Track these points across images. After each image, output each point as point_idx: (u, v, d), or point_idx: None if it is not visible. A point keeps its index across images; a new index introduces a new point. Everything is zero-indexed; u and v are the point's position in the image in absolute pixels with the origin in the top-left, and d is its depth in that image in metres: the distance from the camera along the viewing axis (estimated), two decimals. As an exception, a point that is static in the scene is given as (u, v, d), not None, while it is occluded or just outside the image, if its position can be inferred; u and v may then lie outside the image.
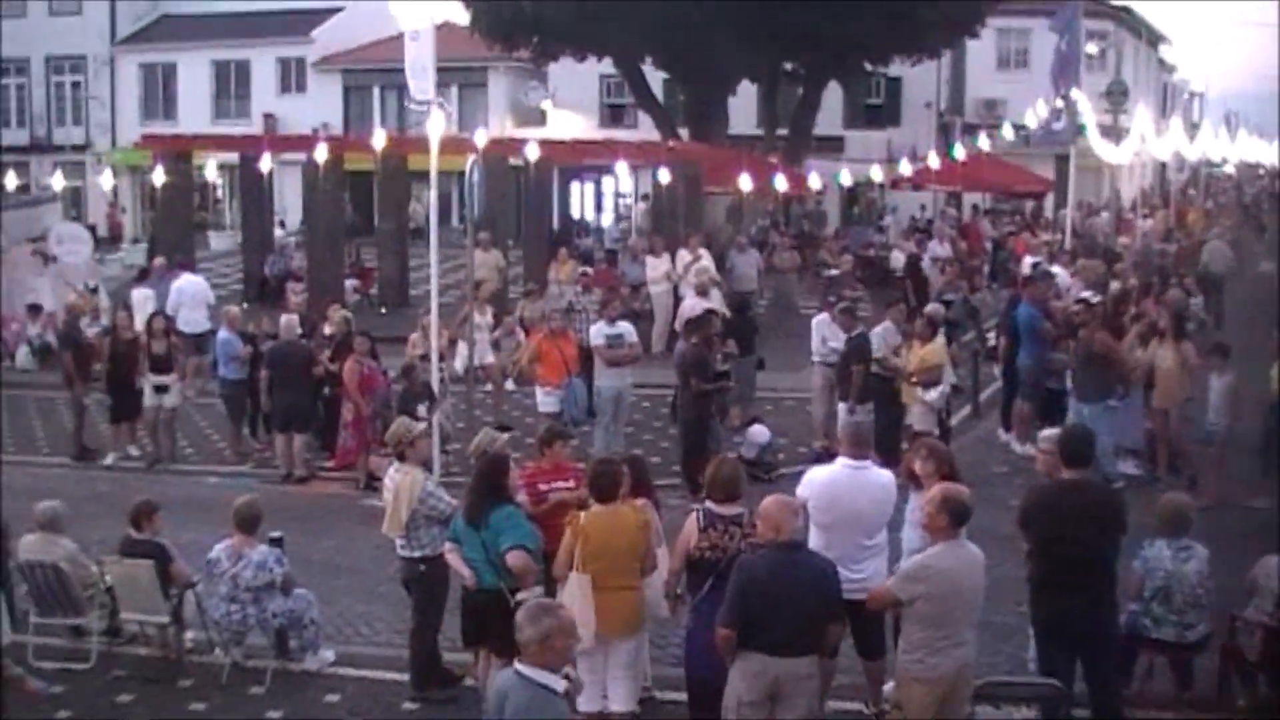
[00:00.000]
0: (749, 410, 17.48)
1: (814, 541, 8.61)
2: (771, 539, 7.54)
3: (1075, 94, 29.32)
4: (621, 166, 31.25)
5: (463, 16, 33.62)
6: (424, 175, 22.96)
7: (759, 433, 16.24)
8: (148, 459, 17.92)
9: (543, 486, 9.79)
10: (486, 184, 16.91)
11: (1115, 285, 19.74)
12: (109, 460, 18.00)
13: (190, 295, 22.14)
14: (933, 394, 15.03)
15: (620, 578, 8.37)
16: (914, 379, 15.12)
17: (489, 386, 19.45)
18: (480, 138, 16.51)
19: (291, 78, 47.01)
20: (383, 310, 27.04)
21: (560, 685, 5.96)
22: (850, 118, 42.37)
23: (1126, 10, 49.76)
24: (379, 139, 20.28)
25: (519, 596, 8.30)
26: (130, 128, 47.52)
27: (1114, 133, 40.88)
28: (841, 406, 15.56)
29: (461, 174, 17.73)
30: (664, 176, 27.17)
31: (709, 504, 8.37)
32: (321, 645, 10.62)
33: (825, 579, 7.61)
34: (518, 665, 5.98)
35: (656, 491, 10.05)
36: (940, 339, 15.71)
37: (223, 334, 18.03)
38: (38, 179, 45.89)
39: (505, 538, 8.71)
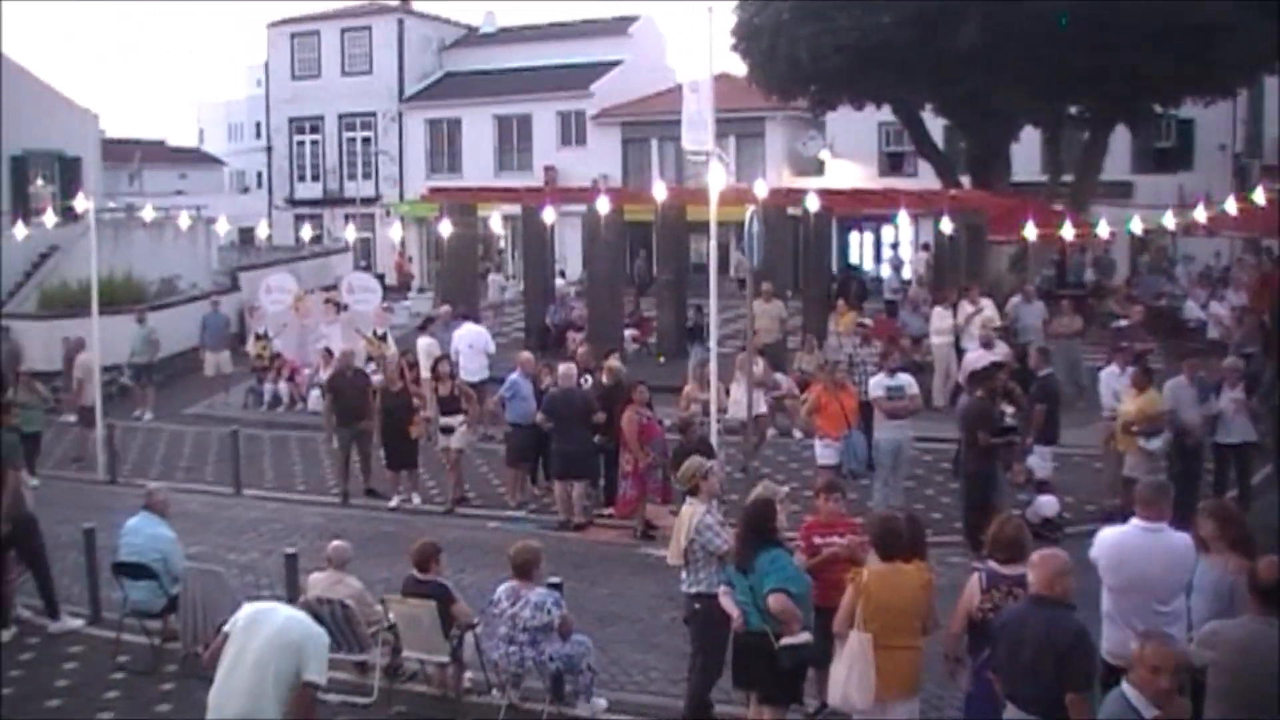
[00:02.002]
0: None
1: (1104, 604, 8.28)
2: (1038, 593, 7.29)
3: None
4: (902, 216, 30.78)
5: (740, 67, 33.78)
6: (702, 226, 23.11)
7: (1047, 504, 15.48)
8: (448, 503, 18.38)
9: (817, 539, 9.75)
10: (765, 234, 16.81)
11: None
12: (393, 503, 18.53)
13: (470, 344, 22.71)
14: (1155, 443, 14.69)
15: (901, 637, 8.14)
16: (1134, 428, 14.80)
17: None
18: (760, 188, 16.40)
19: (571, 131, 48.06)
20: (661, 360, 27.18)
21: None
22: (1139, 162, 40.76)
23: None
24: (659, 190, 20.39)
25: (782, 641, 8.24)
26: (417, 181, 49.41)
27: None
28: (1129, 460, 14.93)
29: (739, 224, 17.72)
30: (946, 225, 26.59)
31: (991, 564, 8.14)
32: (596, 692, 10.59)
33: (1071, 642, 7.11)
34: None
35: (928, 550, 9.76)
36: (1153, 390, 15.29)
37: (514, 376, 18.34)
38: (330, 230, 48.21)
39: (769, 580, 8.64)
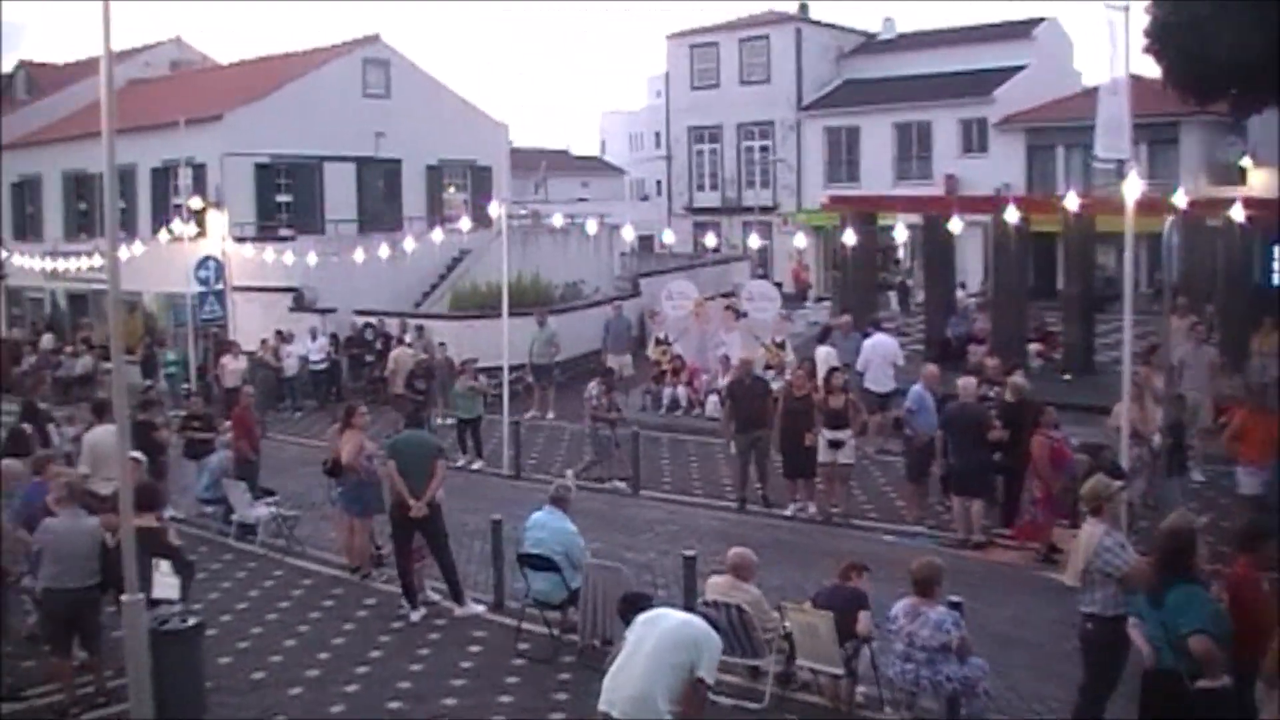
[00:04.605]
0: None
1: None
2: None
3: None
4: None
5: (1153, 70, 32.19)
6: (1111, 237, 22.14)
7: None
8: (822, 513, 18.29)
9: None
10: (1183, 246, 15.94)
11: None
12: (788, 511, 18.56)
13: (881, 354, 22.50)
14: None
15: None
16: None
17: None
18: (1179, 198, 15.55)
19: (973, 138, 47.05)
20: (1066, 377, 26.14)
21: None
22: None
23: None
24: (1070, 200, 19.59)
25: (1199, 684, 7.84)
26: (814, 189, 49.48)
27: None
28: None
29: (1151, 235, 16.88)
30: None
31: None
32: (990, 718, 10.27)
33: None
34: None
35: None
36: None
37: (917, 389, 18.05)
38: (728, 238, 48.89)
39: (1185, 619, 8.12)
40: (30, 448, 17.13)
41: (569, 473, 20.98)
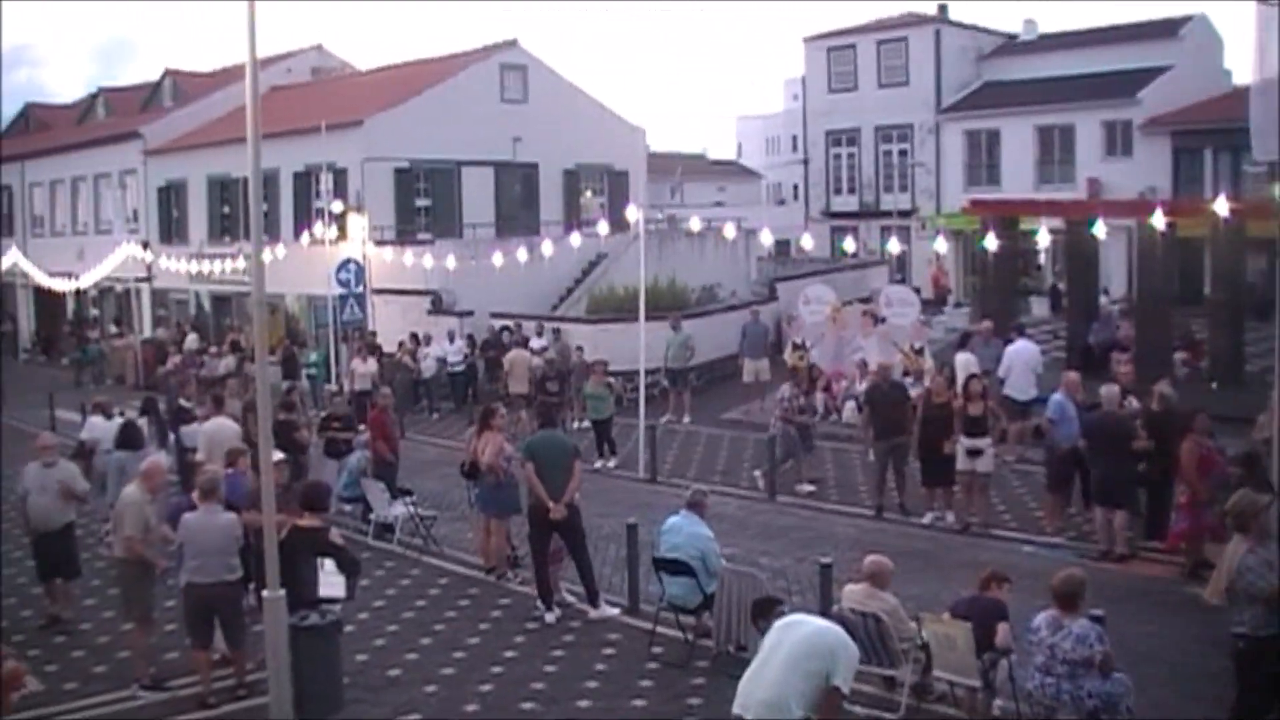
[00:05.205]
0: None
1: None
2: None
3: None
4: None
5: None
6: (1262, 242, 21.49)
7: None
8: (960, 522, 18.03)
9: None
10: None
11: None
12: (925, 520, 18.33)
13: (1024, 361, 22.14)
14: None
15: None
16: None
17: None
18: (1341, 201, 15.04)
19: (1117, 140, 46.02)
20: (1213, 385, 25.49)
21: None
22: None
23: None
24: (1220, 204, 19.03)
25: None
26: (953, 193, 48.84)
27: None
28: None
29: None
30: None
31: None
32: (1131, 736, 10.04)
33: None
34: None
35: None
36: None
37: (1057, 397, 17.68)
38: (865, 243, 48.49)
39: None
40: (141, 440, 17.88)
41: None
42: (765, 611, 8.26)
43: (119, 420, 19.32)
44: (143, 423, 18.82)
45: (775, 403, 21.71)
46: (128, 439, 17.89)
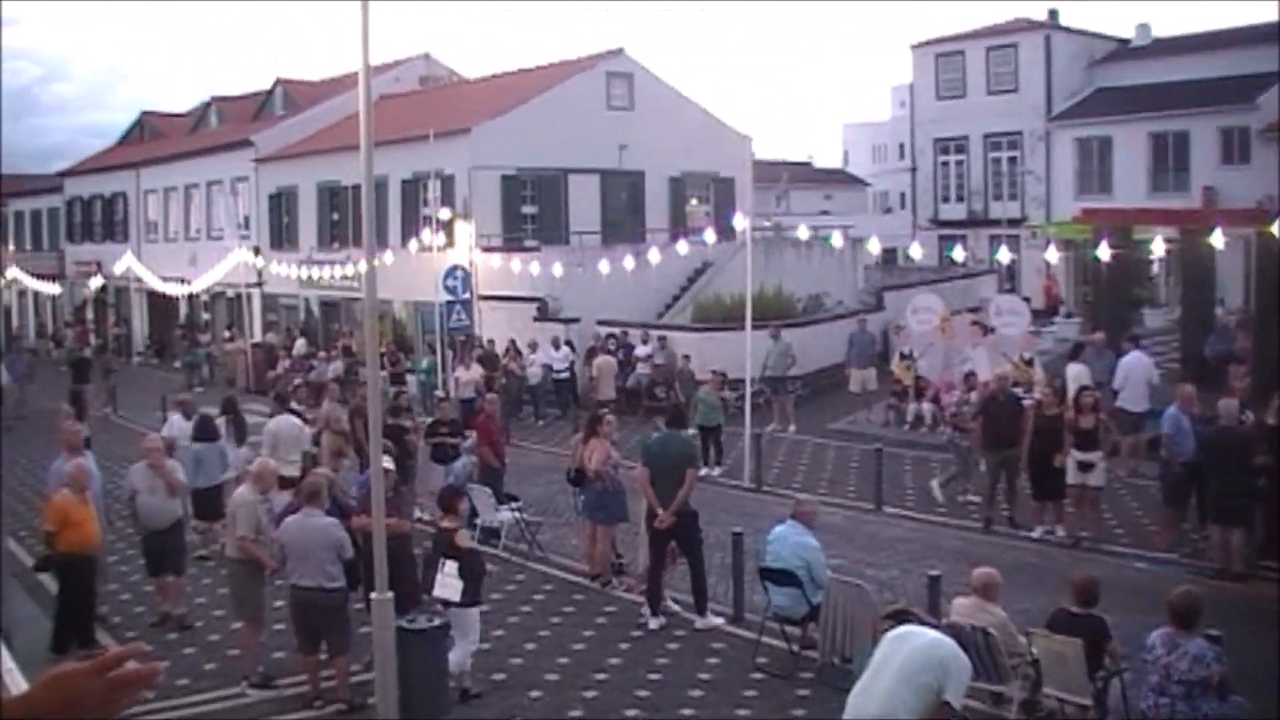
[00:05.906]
0: None
1: None
2: None
3: None
4: None
5: None
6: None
7: None
8: (1071, 536, 17.73)
9: None
10: None
11: None
12: (1035, 534, 18.08)
13: (1138, 372, 21.78)
14: None
15: None
16: None
17: None
18: None
19: (1234, 147, 45.05)
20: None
21: None
22: None
23: None
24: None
25: None
26: (1064, 201, 48.13)
27: None
28: None
29: None
30: None
31: None
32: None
33: None
34: None
35: None
36: None
37: (1172, 410, 17.35)
38: (974, 252, 47.87)
39: None
40: (215, 433, 18.41)
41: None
42: (899, 622, 8.14)
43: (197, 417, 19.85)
44: (221, 421, 19.23)
45: (943, 410, 21.45)
46: (203, 432, 18.36)
